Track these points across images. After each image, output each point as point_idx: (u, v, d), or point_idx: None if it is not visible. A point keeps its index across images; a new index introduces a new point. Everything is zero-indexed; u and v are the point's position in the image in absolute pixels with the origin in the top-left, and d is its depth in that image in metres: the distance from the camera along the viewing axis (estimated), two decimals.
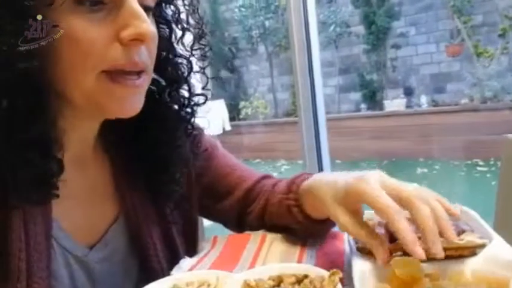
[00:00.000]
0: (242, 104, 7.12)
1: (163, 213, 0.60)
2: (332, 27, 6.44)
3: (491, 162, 4.83)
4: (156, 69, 0.52)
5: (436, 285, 0.40)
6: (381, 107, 6.28)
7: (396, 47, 6.43)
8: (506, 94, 5.20)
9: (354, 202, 0.47)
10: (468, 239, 0.47)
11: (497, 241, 0.46)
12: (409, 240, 0.41)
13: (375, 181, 0.45)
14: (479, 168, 4.76)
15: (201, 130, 0.67)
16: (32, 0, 0.41)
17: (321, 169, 1.93)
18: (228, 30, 7.50)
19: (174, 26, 0.57)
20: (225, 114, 5.85)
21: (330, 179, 0.52)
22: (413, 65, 6.40)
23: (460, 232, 0.49)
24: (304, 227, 0.57)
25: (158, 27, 0.53)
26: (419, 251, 0.40)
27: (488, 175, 4.54)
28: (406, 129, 5.75)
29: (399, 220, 0.41)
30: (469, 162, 4.97)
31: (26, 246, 0.46)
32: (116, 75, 0.45)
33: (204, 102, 0.61)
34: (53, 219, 0.50)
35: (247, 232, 0.63)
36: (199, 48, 0.59)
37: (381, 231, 0.50)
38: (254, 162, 6.23)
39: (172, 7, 0.56)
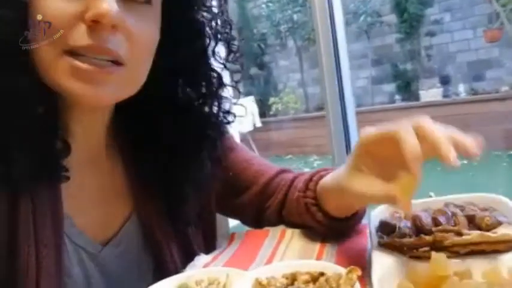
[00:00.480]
0: (272, 100, 7.10)
1: (177, 212, 0.59)
2: (363, 17, 6.30)
3: None
4: (188, 82, 0.52)
5: (467, 284, 0.37)
6: (417, 98, 6.09)
7: (431, 34, 6.21)
8: None
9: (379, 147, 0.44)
10: (504, 231, 0.43)
11: None
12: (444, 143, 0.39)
13: None
14: None
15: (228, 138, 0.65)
16: None
17: None
18: (257, 26, 7.49)
19: (208, 38, 0.55)
20: (255, 110, 5.84)
21: None
22: (449, 52, 6.16)
23: (496, 224, 0.45)
24: (325, 226, 0.55)
25: (191, 36, 0.53)
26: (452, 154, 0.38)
27: None
28: (444, 119, 5.37)
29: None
30: (511, 152, 4.73)
31: (35, 241, 0.46)
32: (80, 55, 0.44)
33: (229, 122, 0.60)
34: (66, 216, 0.50)
35: (266, 228, 0.61)
36: (232, 62, 0.57)
37: (407, 224, 0.47)
38: (286, 158, 6.19)
39: (206, 12, 0.55)
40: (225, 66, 0.57)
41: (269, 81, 7.53)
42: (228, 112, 0.60)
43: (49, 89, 0.46)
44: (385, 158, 0.44)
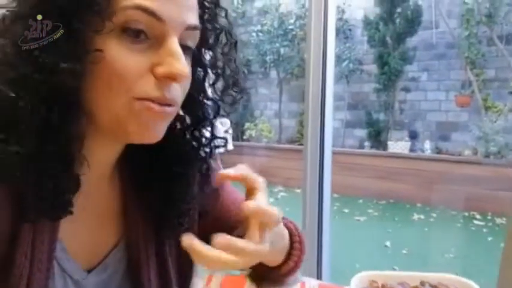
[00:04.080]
0: (247, 125, 7.14)
1: (163, 245, 0.60)
2: (345, 63, 6.52)
3: (489, 217, 4.78)
4: (184, 107, 0.54)
5: None
6: (385, 147, 6.29)
7: (406, 90, 6.48)
8: (510, 151, 5.20)
9: None
10: None
11: None
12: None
13: None
14: (476, 222, 4.71)
15: (215, 170, 0.66)
16: (82, 24, 0.43)
17: (320, 201, 1.91)
18: (243, 52, 7.59)
19: (209, 70, 0.58)
20: (229, 133, 5.85)
21: None
22: (421, 109, 6.43)
23: None
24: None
25: (194, 69, 0.55)
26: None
27: (484, 230, 4.50)
28: (407, 172, 5.74)
29: None
30: (466, 214, 4.92)
31: (30, 264, 0.47)
32: (145, 100, 0.46)
33: (224, 146, 0.62)
34: (59, 240, 0.50)
35: (243, 273, 0.60)
36: (230, 95, 0.59)
37: None
38: None
39: (211, 53, 0.57)
40: (222, 100, 0.59)
41: (247, 106, 7.59)
42: (221, 138, 0.62)
43: (79, 123, 0.47)
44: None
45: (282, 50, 7.03)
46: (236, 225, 0.62)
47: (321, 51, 1.92)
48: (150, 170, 0.58)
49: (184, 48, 0.48)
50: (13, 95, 0.43)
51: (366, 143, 6.54)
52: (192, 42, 0.50)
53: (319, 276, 1.87)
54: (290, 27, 6.98)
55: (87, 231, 0.55)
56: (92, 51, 0.43)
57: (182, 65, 0.46)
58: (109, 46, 0.44)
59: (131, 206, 0.58)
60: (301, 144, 6.87)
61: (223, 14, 0.56)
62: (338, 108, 6.71)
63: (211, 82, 0.58)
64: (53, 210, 0.47)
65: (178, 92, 0.49)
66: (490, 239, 4.24)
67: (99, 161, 0.53)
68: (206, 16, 0.54)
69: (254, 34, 7.23)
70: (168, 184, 0.58)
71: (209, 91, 0.59)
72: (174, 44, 0.46)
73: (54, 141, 0.44)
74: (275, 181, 6.15)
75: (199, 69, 0.57)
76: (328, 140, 1.94)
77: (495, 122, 5.40)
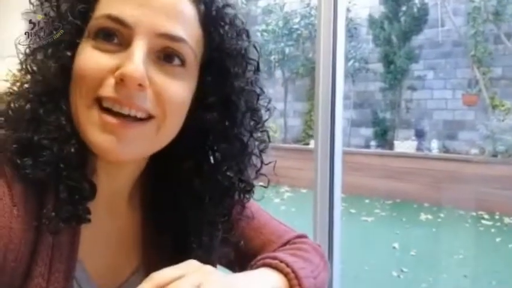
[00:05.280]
0: None
1: None
2: (351, 62, 6.49)
3: (497, 217, 4.74)
4: (213, 144, 0.55)
5: None
6: (391, 147, 6.26)
7: (412, 88, 6.45)
8: None
9: None
10: None
11: None
12: None
13: None
14: (484, 222, 4.67)
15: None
16: (61, 34, 0.48)
17: (331, 201, 1.88)
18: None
19: (239, 100, 0.55)
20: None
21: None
22: (427, 108, 6.40)
23: None
24: None
25: (224, 100, 0.54)
26: None
27: (493, 230, 4.46)
28: (414, 171, 5.70)
29: None
30: (474, 214, 4.89)
31: (47, 284, 0.47)
32: (108, 111, 0.47)
33: (249, 191, 0.59)
34: (79, 260, 0.50)
35: None
36: (260, 131, 0.58)
37: None
38: (257, 185, 6.14)
39: (240, 81, 0.55)
40: (251, 135, 0.57)
41: None
42: (248, 182, 0.58)
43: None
44: None
45: (286, 50, 7.01)
46: (256, 254, 0.60)
47: (331, 49, 1.89)
48: (170, 202, 0.57)
49: (168, 61, 0.49)
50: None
51: (372, 142, 6.51)
52: (179, 55, 0.49)
53: (329, 278, 1.84)
54: (295, 26, 6.96)
55: (107, 254, 0.55)
56: (65, 55, 0.48)
57: (134, 67, 0.45)
58: (83, 50, 0.48)
59: (150, 232, 0.58)
60: (306, 144, 6.85)
61: (244, 35, 0.55)
62: (344, 107, 6.66)
63: (234, 111, 0.55)
64: (71, 217, 0.47)
65: (145, 100, 0.47)
66: (498, 239, 4.20)
67: (113, 180, 0.54)
68: (219, 37, 0.52)
69: (259, 34, 7.21)
70: (184, 223, 0.57)
71: (237, 124, 0.56)
72: (134, 47, 0.46)
73: (47, 133, 0.47)
74: (281, 181, 6.12)
75: (221, 97, 0.54)
76: (338, 139, 1.91)
77: (502, 120, 5.36)
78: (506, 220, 4.69)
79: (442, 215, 4.98)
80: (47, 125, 0.47)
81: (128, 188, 0.56)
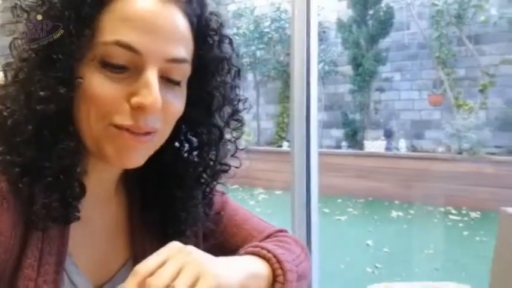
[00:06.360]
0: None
1: None
2: (321, 65, 6.61)
3: (464, 212, 4.94)
4: (191, 130, 0.59)
5: None
6: (361, 147, 6.40)
7: (380, 90, 6.63)
8: (481, 147, 5.38)
9: None
10: None
11: None
12: None
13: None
14: (451, 217, 4.85)
15: (218, 192, 0.67)
16: (62, 55, 0.47)
17: (308, 202, 1.92)
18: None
19: (215, 96, 0.59)
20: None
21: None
22: (395, 109, 6.59)
23: None
24: None
25: (202, 95, 0.57)
26: None
27: (460, 224, 4.63)
28: (384, 170, 5.86)
29: None
30: (442, 209, 5.07)
31: (37, 275, 0.48)
32: (121, 129, 0.49)
33: (227, 171, 0.63)
34: (69, 253, 0.52)
35: None
36: (235, 120, 0.62)
37: None
38: (231, 188, 6.16)
39: (218, 79, 0.59)
40: (228, 124, 0.61)
41: None
42: (225, 164, 0.63)
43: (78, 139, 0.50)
44: None
45: (258, 53, 7.06)
46: (238, 249, 0.62)
47: (305, 52, 1.92)
48: (155, 189, 0.60)
49: (169, 80, 0.51)
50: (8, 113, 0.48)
51: (343, 143, 6.64)
52: (180, 75, 0.52)
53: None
54: (265, 30, 7.02)
55: (97, 247, 0.56)
56: (72, 79, 0.47)
57: (154, 97, 0.47)
58: (89, 74, 0.48)
59: (137, 224, 0.60)
60: (279, 146, 6.92)
61: (227, 41, 0.58)
62: None
63: (215, 108, 0.59)
64: (60, 216, 0.49)
65: (157, 120, 0.50)
66: (465, 233, 4.38)
67: (102, 177, 0.56)
68: (207, 46, 0.56)
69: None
70: (171, 204, 0.59)
71: (216, 117, 0.60)
72: (149, 76, 0.48)
73: (51, 154, 0.48)
74: (255, 183, 6.15)
75: (204, 95, 0.58)
76: (313, 141, 1.95)
77: (467, 119, 5.59)
78: (473, 214, 4.88)
79: (412, 212, 5.14)
80: (55, 148, 0.48)
81: (115, 183, 0.59)
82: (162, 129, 0.52)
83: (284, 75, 6.92)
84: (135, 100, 0.47)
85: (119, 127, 0.48)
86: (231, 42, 0.58)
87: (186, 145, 0.61)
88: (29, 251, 0.48)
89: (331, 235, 4.09)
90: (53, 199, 0.48)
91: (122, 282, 0.54)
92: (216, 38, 0.56)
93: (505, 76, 5.56)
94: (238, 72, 0.60)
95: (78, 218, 0.51)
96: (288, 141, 6.60)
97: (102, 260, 0.57)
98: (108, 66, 0.48)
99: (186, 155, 0.60)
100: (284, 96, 7.06)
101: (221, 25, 0.57)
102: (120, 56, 0.47)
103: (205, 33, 0.55)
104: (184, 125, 0.59)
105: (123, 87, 0.48)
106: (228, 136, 0.62)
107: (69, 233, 0.51)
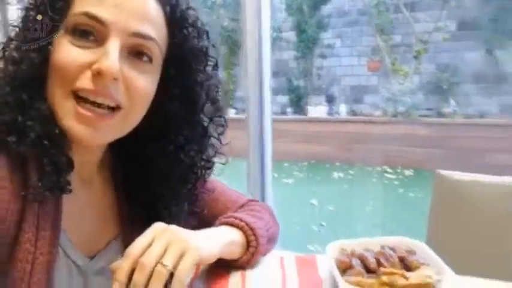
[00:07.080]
0: None
1: None
2: None
3: (398, 170, 5.32)
4: (176, 128, 0.61)
5: None
6: (305, 112, 6.58)
7: (322, 56, 6.78)
8: (415, 110, 5.76)
9: None
10: (426, 272, 0.52)
11: (450, 276, 0.51)
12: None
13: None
14: (387, 175, 5.21)
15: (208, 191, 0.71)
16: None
17: (263, 167, 1.98)
18: None
19: (200, 92, 0.61)
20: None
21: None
22: (336, 75, 6.80)
23: (420, 265, 0.53)
24: None
25: (184, 91, 0.60)
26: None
27: (396, 182, 5.00)
28: (326, 134, 6.10)
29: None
30: (379, 169, 5.42)
31: (35, 249, 0.51)
32: (84, 100, 0.52)
33: (210, 168, 0.66)
34: (62, 229, 0.55)
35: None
36: (218, 116, 0.65)
37: (357, 262, 0.54)
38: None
39: (201, 76, 0.61)
40: (211, 120, 0.64)
41: None
42: (208, 160, 0.66)
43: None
44: None
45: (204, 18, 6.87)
46: (215, 220, 0.68)
47: (257, 20, 1.93)
48: (139, 187, 0.63)
49: (138, 56, 0.54)
50: None
51: (289, 109, 6.78)
52: (149, 51, 0.55)
53: None
54: None
55: (86, 222, 0.60)
56: (44, 47, 0.52)
57: (111, 61, 0.50)
58: (60, 43, 0.52)
59: (124, 204, 0.64)
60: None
61: (203, 34, 0.61)
62: None
63: (198, 104, 0.62)
64: (54, 187, 0.52)
65: (118, 92, 0.53)
66: (401, 190, 4.74)
67: (82, 156, 0.58)
68: (182, 36, 0.58)
69: None
70: (154, 202, 0.63)
71: (199, 114, 0.63)
72: (110, 44, 0.51)
73: (30, 115, 0.51)
74: None
75: (186, 90, 0.61)
76: (267, 107, 1.99)
77: (402, 84, 5.91)
78: (407, 172, 5.28)
79: (352, 172, 5.44)
80: (31, 109, 0.52)
81: (97, 161, 0.62)
82: (128, 108, 0.54)
83: (229, 41, 6.83)
84: (94, 66, 0.51)
85: (79, 97, 0.51)
86: (207, 36, 0.62)
87: (171, 143, 0.62)
88: (26, 226, 0.51)
89: (281, 198, 4.25)
90: (47, 172, 0.51)
91: (111, 254, 0.60)
92: (192, 30, 0.59)
93: (437, 43, 5.91)
94: (216, 63, 0.63)
95: (71, 191, 0.54)
96: (235, 108, 6.60)
97: (93, 235, 0.61)
98: (76, 35, 0.52)
99: (170, 152, 0.62)
100: (229, 63, 7.00)
101: (197, 19, 0.60)
102: (87, 25, 0.52)
103: (181, 24, 0.58)
104: (168, 122, 0.62)
105: (88, 55, 0.51)
106: (212, 132, 0.65)
107: (61, 209, 0.54)
